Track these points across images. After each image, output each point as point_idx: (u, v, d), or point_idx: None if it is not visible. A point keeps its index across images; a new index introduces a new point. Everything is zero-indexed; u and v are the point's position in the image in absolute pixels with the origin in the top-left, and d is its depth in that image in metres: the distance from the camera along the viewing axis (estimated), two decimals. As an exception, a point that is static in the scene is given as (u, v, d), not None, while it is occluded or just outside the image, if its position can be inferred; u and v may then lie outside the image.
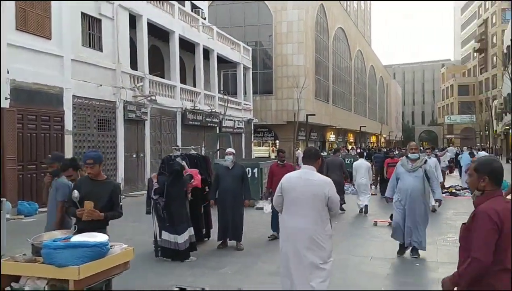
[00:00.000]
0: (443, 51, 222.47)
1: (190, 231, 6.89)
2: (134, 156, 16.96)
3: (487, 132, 66.45)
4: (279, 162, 8.72)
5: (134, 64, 17.30)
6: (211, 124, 22.67)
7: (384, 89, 72.32)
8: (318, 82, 35.70)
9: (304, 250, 4.24)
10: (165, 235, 6.74)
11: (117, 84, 15.75)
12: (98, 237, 3.96)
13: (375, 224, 10.03)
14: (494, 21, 66.81)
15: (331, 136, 42.19)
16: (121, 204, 4.61)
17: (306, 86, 26.22)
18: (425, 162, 7.19)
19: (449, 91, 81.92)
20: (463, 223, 2.86)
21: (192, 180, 7.02)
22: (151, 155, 17.90)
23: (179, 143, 19.82)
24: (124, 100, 15.97)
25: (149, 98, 17.26)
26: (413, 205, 6.87)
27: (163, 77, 20.02)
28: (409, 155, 7.18)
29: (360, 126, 42.59)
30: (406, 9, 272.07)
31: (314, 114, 25.42)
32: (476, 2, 76.03)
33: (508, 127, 41.66)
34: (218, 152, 17.64)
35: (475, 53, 76.80)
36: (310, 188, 4.31)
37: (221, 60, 24.80)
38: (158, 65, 20.97)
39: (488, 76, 69.68)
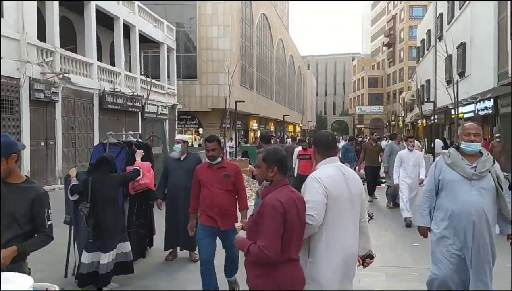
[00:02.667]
0: (354, 44, 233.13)
1: (125, 247, 5.06)
2: (43, 143, 14.37)
3: (393, 122, 70.57)
4: (208, 162, 4.80)
5: (42, 37, 14.62)
6: (133, 109, 20.40)
7: (302, 80, 73.31)
8: (243, 69, 34.44)
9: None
10: (85, 257, 4.84)
11: (21, 57, 13.08)
12: (18, 282, 2.31)
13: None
14: (402, 17, 70.44)
15: (254, 125, 41.35)
16: (50, 222, 2.89)
17: (228, 73, 24.87)
18: (494, 161, 3.85)
19: (360, 83, 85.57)
20: (250, 215, 2.82)
21: (140, 177, 5.20)
22: (63, 142, 15.39)
23: (96, 129, 17.40)
24: (30, 77, 13.34)
25: (60, 76, 14.71)
26: (481, 243, 3.66)
27: (76, 53, 17.38)
28: (465, 146, 3.80)
29: (284, 115, 42.26)
30: (319, 3, 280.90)
31: (243, 101, 24.20)
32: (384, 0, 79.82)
33: (417, 117, 43.95)
34: (152, 140, 15.58)
35: (384, 48, 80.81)
36: (357, 189, 3.09)
37: (142, 39, 22.47)
38: (69, 40, 18.22)
39: (396, 69, 73.67)
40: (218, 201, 4.53)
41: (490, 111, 20.32)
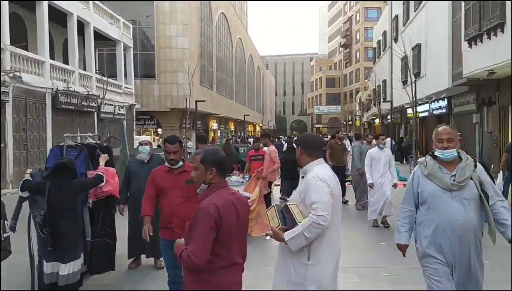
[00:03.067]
0: (311, 45, 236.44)
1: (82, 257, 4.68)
2: (-9, 146, 13.53)
3: (350, 122, 72.14)
4: (168, 165, 4.26)
5: (-11, 32, 13.75)
6: (88, 109, 19.62)
7: (261, 79, 73.52)
8: (203, 68, 34.03)
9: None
10: (45, 266, 4.47)
11: (-34, 54, 12.25)
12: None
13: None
14: (358, 18, 72.09)
15: (214, 125, 40.99)
16: (6, 234, 2.58)
17: (188, 72, 24.49)
18: (475, 166, 3.35)
19: (318, 83, 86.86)
20: (188, 220, 2.71)
21: (103, 184, 4.84)
22: (14, 144, 14.55)
23: (49, 130, 16.61)
24: (-24, 76, 12.52)
25: (11, 74, 13.90)
26: (467, 261, 3.31)
27: (27, 51, 16.50)
28: (438, 154, 3.39)
29: (244, 115, 42.13)
30: (276, 3, 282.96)
31: (204, 101, 23.84)
32: (341, 0, 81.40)
33: (374, 117, 45.05)
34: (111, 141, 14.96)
35: (340, 48, 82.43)
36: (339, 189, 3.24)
37: (97, 36, 21.67)
38: (20, 37, 17.29)
39: (352, 70, 75.33)
40: (179, 211, 4.04)
41: (444, 110, 21.04)
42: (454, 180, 3.28)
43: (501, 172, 10.45)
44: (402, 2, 26.82)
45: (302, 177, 3.21)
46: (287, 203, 3.08)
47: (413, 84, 17.79)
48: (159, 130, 31.91)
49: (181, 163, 4.21)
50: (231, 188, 2.81)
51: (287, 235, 2.92)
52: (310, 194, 2.94)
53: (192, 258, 2.48)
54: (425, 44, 21.29)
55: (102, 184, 4.80)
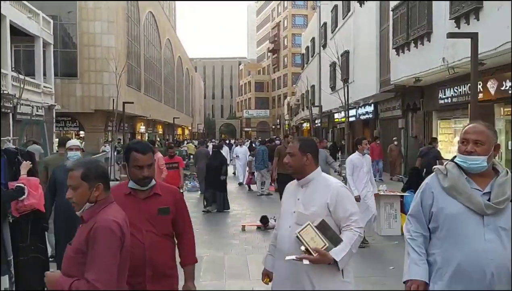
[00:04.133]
0: (240, 49, 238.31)
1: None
2: None
3: (278, 125, 73.43)
4: (132, 187, 2.86)
5: None
6: (3, 110, 17.85)
7: (190, 82, 72.48)
8: (130, 68, 32.65)
9: None
10: None
11: None
12: None
13: (243, 229, 8.66)
14: (285, 25, 73.63)
15: (142, 127, 39.57)
16: None
17: (116, 72, 23.33)
18: None
19: (247, 87, 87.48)
20: (68, 243, 2.24)
21: (24, 196, 4.17)
22: None
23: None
24: None
25: None
26: None
27: None
28: (460, 161, 2.38)
29: (174, 118, 41.06)
30: (205, 4, 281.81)
31: (132, 102, 22.74)
32: (270, 5, 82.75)
33: (302, 121, 46.10)
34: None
35: (269, 53, 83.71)
36: None
37: (14, 31, 19.87)
38: None
39: (280, 75, 76.75)
40: (152, 257, 2.75)
41: (371, 116, 21.88)
42: (489, 199, 2.29)
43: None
44: (330, 10, 27.63)
45: (302, 187, 2.83)
46: (321, 219, 2.63)
47: (346, 89, 18.26)
48: (82, 133, 30.08)
49: (154, 182, 2.86)
50: (115, 204, 2.36)
51: (336, 255, 2.53)
52: (345, 205, 2.67)
53: (97, 286, 2.02)
54: (353, 51, 22.01)
55: (24, 196, 4.13)
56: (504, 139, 11.87)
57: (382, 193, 7.85)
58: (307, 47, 38.82)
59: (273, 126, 76.59)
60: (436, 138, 12.82)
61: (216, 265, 6.29)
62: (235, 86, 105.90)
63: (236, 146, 16.86)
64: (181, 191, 8.46)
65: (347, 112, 18.79)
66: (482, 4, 9.89)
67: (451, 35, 7.96)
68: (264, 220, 8.50)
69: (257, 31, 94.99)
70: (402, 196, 8.16)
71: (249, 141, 27.21)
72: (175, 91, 55.72)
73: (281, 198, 5.05)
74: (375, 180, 7.93)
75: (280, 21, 76.20)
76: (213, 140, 38.38)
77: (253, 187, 14.77)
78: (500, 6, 9.22)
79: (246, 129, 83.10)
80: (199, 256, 6.43)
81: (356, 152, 7.24)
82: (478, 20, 10.06)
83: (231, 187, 14.91)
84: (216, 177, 10.54)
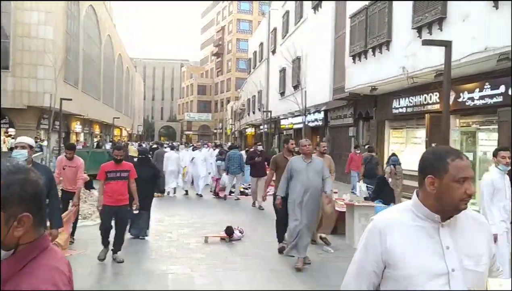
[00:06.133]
0: (183, 51, 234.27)
1: None
2: None
3: (220, 130, 72.78)
4: None
5: None
6: None
7: (130, 82, 69.92)
8: (67, 63, 30.57)
9: None
10: None
11: None
12: None
13: (206, 240, 7.93)
14: (230, 29, 73.28)
15: (77, 126, 37.29)
16: None
17: (55, 66, 21.62)
18: None
19: (189, 90, 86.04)
20: None
21: None
22: None
23: None
24: None
25: None
26: None
27: None
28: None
29: (114, 118, 39.08)
30: (147, 4, 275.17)
31: (70, 99, 21.10)
32: (215, 9, 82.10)
33: (247, 126, 45.85)
34: None
35: (212, 57, 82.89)
36: None
37: None
38: None
39: (224, 79, 76.20)
40: None
41: (320, 123, 21.88)
42: None
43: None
44: (282, 15, 27.52)
45: (442, 226, 1.70)
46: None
47: (304, 94, 18.06)
48: (11, 131, 27.66)
49: None
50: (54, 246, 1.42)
51: None
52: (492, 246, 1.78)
53: None
54: (305, 58, 21.93)
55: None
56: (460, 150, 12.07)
57: (356, 204, 7.51)
58: (255, 52, 38.59)
59: (215, 130, 75.79)
60: (372, 147, 13.51)
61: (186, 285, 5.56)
62: (176, 89, 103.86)
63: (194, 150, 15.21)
64: (134, 209, 6.68)
65: (304, 117, 18.59)
66: (446, 15, 9.95)
67: (425, 42, 7.82)
68: (229, 230, 7.85)
69: (201, 34, 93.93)
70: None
71: (217, 145, 25.29)
72: (115, 91, 53.34)
73: (277, 214, 4.19)
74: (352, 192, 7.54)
75: (225, 25, 75.72)
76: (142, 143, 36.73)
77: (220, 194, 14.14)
78: (466, 18, 9.29)
79: (187, 132, 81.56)
80: (164, 273, 5.76)
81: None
82: (441, 30, 10.13)
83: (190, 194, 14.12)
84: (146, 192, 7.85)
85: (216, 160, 15.60)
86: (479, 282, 1.66)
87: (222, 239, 7.85)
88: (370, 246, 1.71)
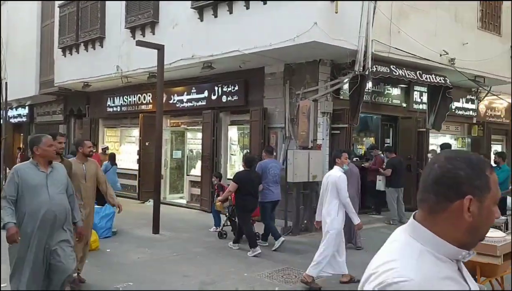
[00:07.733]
0: None
1: None
2: None
3: None
4: None
5: None
6: None
7: None
8: None
9: None
10: None
11: None
12: None
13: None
14: None
15: None
16: None
17: None
18: None
19: None
20: None
21: None
22: None
23: None
24: None
25: None
26: None
27: None
28: None
29: None
30: None
31: None
32: None
33: None
34: None
35: None
36: None
37: None
38: None
39: None
40: None
41: (24, 119, 19.56)
42: None
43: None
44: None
45: None
46: None
47: (4, 86, 15.62)
48: None
49: None
50: None
51: None
52: None
53: None
54: (6, 45, 19.10)
55: None
56: (169, 148, 12.91)
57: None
58: None
59: None
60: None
61: None
62: None
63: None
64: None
65: (4, 112, 16.09)
66: (158, 20, 10.40)
67: (139, 43, 7.91)
68: None
69: None
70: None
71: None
72: None
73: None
74: None
75: None
76: None
77: None
78: (175, 25, 9.94)
79: None
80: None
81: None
82: (154, 34, 10.52)
83: None
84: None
85: None
86: None
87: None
88: None
